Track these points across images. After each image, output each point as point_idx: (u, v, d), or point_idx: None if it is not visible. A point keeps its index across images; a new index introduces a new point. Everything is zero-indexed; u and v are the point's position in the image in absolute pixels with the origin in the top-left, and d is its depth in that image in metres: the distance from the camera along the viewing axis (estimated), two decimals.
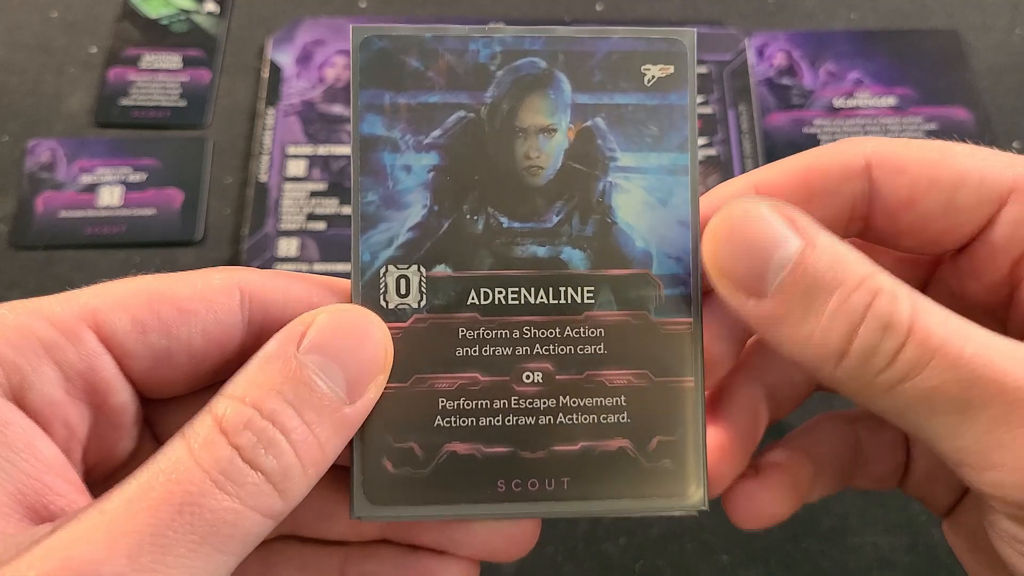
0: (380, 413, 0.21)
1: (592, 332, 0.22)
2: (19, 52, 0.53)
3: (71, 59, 0.53)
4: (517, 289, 0.22)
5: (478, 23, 0.53)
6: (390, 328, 0.21)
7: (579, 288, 0.22)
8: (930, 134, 0.50)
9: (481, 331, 0.22)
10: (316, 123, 0.50)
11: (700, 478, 0.22)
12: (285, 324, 0.20)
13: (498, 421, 0.21)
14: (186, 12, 0.55)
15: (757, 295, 0.20)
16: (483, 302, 0.22)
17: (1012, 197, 0.22)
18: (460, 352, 0.21)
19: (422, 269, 0.22)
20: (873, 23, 0.54)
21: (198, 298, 0.21)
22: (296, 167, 0.49)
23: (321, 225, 0.47)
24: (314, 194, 0.48)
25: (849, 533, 0.40)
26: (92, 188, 0.48)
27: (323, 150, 0.50)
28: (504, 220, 0.22)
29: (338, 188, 0.48)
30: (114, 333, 0.20)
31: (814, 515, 0.40)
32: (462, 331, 0.22)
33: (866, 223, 0.24)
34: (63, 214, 0.48)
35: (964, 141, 0.23)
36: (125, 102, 0.51)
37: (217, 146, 0.50)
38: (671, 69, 0.22)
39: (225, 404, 0.19)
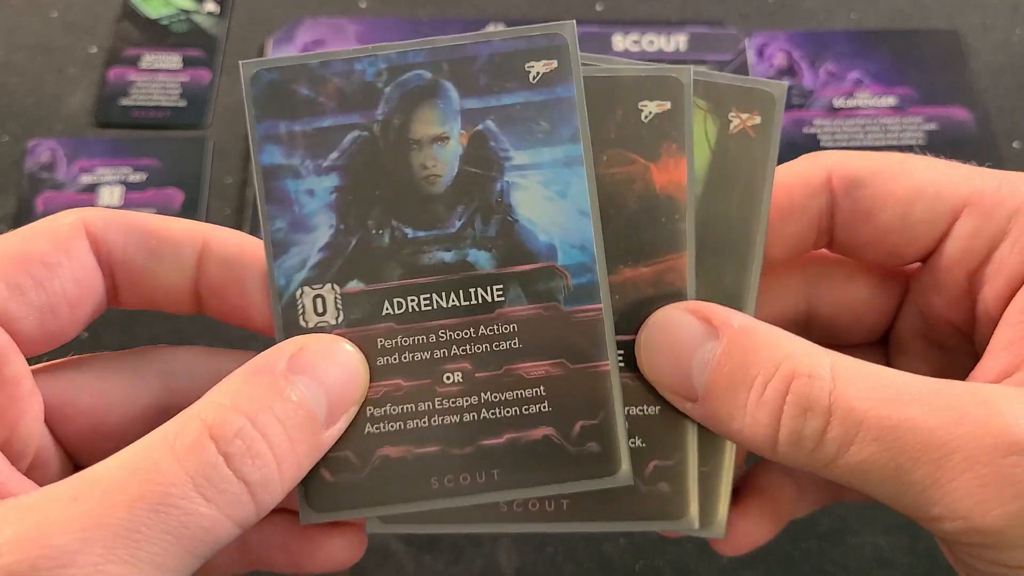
0: None
1: (506, 328, 0.22)
2: (19, 52, 0.53)
3: (71, 59, 0.53)
4: (428, 295, 0.22)
5: (477, 24, 0.53)
6: None
7: (488, 287, 0.22)
8: (930, 134, 0.50)
9: (399, 339, 0.22)
10: None
11: (626, 455, 0.22)
12: (128, 259, 0.22)
13: (424, 423, 0.22)
14: (186, 12, 0.55)
15: (692, 399, 0.21)
16: (397, 312, 0.22)
17: (966, 211, 0.22)
18: (381, 361, 0.22)
19: (336, 287, 0.22)
20: (873, 23, 0.54)
21: (57, 250, 0.21)
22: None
23: None
24: None
25: (849, 533, 0.40)
26: (92, 188, 0.48)
27: None
28: (408, 231, 0.22)
29: None
30: None
31: (814, 515, 0.40)
32: (381, 341, 0.22)
33: (830, 236, 0.24)
34: None
35: (955, 144, 0.23)
36: (125, 102, 0.51)
37: (217, 146, 0.50)
38: (555, 63, 0.22)
39: (215, 412, 0.19)
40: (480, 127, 0.22)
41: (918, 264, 0.25)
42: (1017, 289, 0.21)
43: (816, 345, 0.21)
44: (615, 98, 0.23)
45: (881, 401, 0.19)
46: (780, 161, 0.24)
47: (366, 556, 0.42)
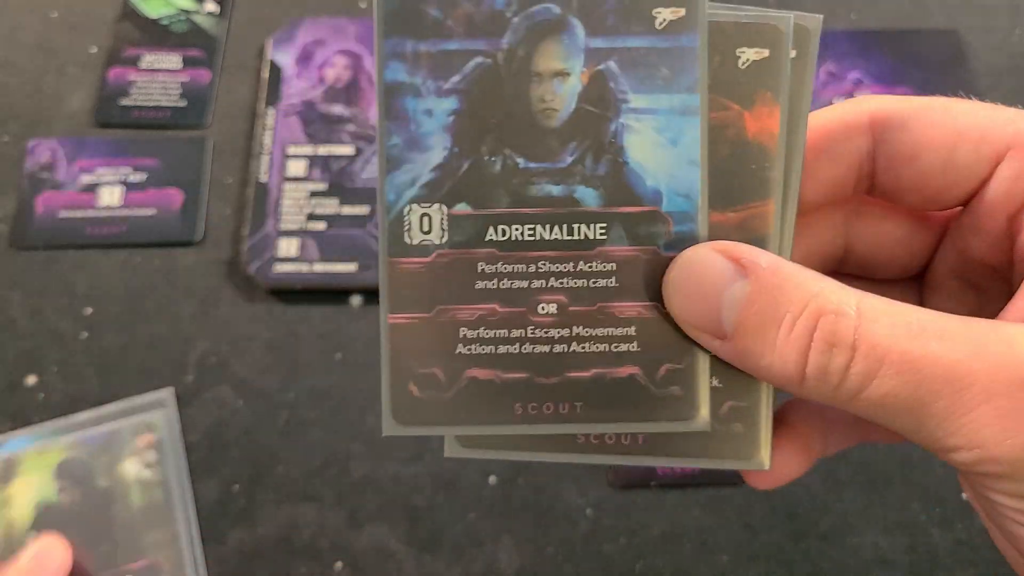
0: (406, 342, 0.23)
1: (604, 266, 0.23)
2: (19, 52, 0.53)
3: (71, 59, 0.53)
4: (533, 226, 0.23)
5: None
6: (414, 263, 0.23)
7: (592, 225, 0.23)
8: None
9: (499, 265, 0.23)
10: (316, 123, 0.50)
11: (706, 401, 0.23)
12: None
13: (515, 349, 0.23)
14: (186, 12, 0.55)
15: (720, 336, 0.22)
16: (501, 238, 0.23)
17: (1009, 153, 0.23)
18: (479, 285, 0.23)
19: (444, 207, 0.23)
20: (873, 23, 0.54)
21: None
22: (296, 167, 0.49)
23: (321, 225, 0.47)
24: (314, 194, 0.48)
25: (849, 533, 0.40)
26: (92, 188, 0.48)
27: (323, 150, 0.50)
28: (520, 161, 0.23)
29: (338, 188, 0.48)
30: None
31: (814, 515, 0.40)
32: (481, 265, 0.23)
33: (871, 180, 0.25)
34: (63, 214, 0.48)
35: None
36: (125, 102, 0.51)
37: (217, 146, 0.50)
38: (682, 12, 0.22)
39: None
40: (602, 67, 0.22)
41: (958, 208, 0.25)
42: None
43: (843, 284, 0.21)
44: (714, 44, 0.23)
45: (904, 337, 0.20)
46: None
47: (366, 556, 0.42)
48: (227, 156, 0.50)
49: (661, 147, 0.23)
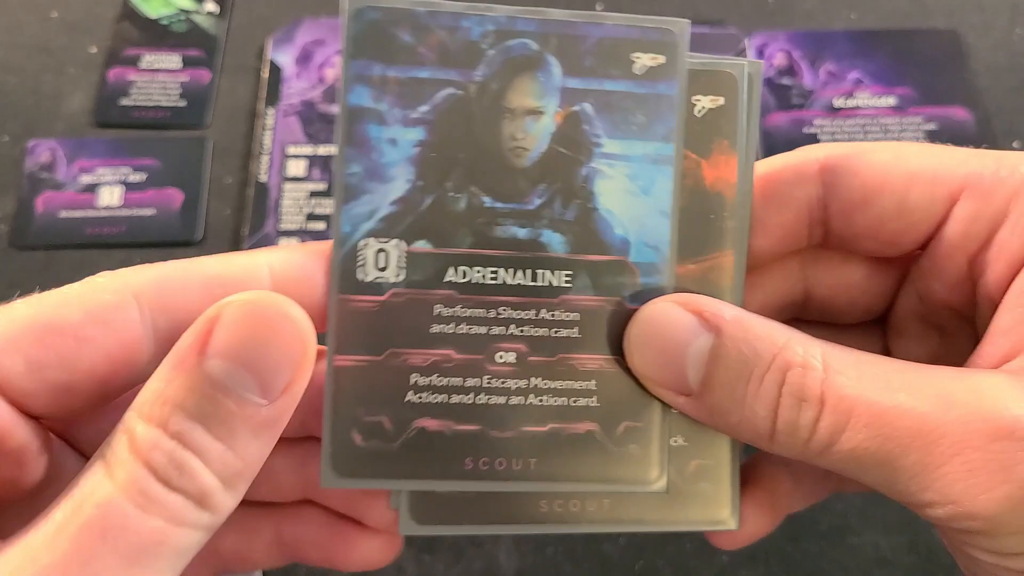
0: (352, 386, 0.21)
1: (567, 316, 0.22)
2: (19, 52, 0.53)
3: (71, 59, 0.53)
4: (496, 269, 0.22)
5: None
6: (366, 301, 0.21)
7: (557, 271, 0.22)
8: (930, 134, 0.50)
9: (458, 309, 0.21)
10: (316, 123, 0.50)
11: (664, 463, 0.22)
12: (194, 318, 0.19)
13: (469, 399, 0.21)
14: (186, 12, 0.55)
15: (685, 393, 0.21)
16: (461, 280, 0.22)
17: (964, 194, 0.22)
18: (435, 329, 0.21)
19: (402, 244, 0.21)
20: (873, 23, 0.54)
21: (92, 322, 0.19)
22: (296, 167, 0.49)
23: (321, 225, 0.47)
24: (314, 194, 0.48)
25: (849, 533, 0.40)
26: (92, 188, 0.48)
27: (323, 150, 0.50)
28: (487, 200, 0.22)
29: None
30: (7, 378, 0.19)
31: (814, 515, 0.40)
32: (438, 308, 0.21)
33: (826, 228, 0.24)
34: (63, 214, 0.48)
35: (953, 143, 0.23)
36: (125, 102, 0.51)
37: (217, 146, 0.50)
38: (662, 59, 0.22)
39: (135, 422, 0.18)
40: (577, 108, 0.22)
41: (917, 251, 0.24)
42: (1018, 272, 0.21)
43: (807, 336, 0.21)
44: None
45: (871, 389, 0.19)
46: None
47: None
48: (227, 156, 0.50)
49: (632, 195, 0.22)
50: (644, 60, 0.22)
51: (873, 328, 0.27)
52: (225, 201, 0.49)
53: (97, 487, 0.17)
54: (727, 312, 0.21)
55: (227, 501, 0.18)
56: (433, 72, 0.21)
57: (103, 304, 0.20)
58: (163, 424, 0.18)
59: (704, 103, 0.22)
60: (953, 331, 0.25)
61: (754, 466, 0.26)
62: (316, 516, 0.24)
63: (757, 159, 0.23)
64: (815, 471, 0.26)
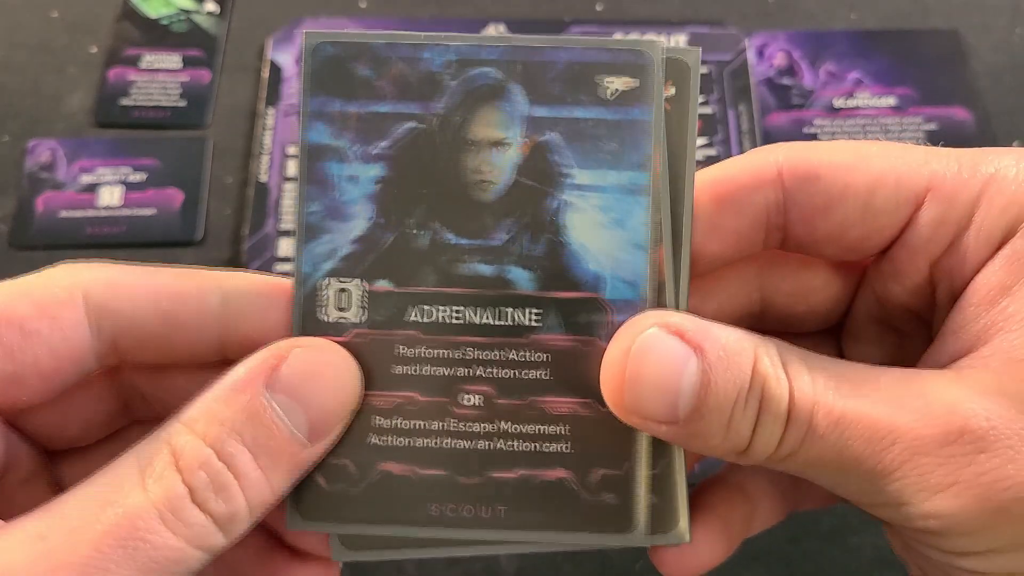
0: None
1: (537, 356, 0.21)
2: (19, 52, 0.53)
3: (71, 59, 0.53)
4: (460, 308, 0.21)
5: (478, 23, 0.53)
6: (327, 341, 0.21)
7: (525, 309, 0.21)
8: (930, 134, 0.50)
9: (421, 349, 0.21)
10: None
11: (645, 512, 0.21)
12: (136, 327, 0.20)
13: (434, 443, 0.21)
14: (186, 12, 0.55)
15: (669, 423, 0.20)
16: (424, 320, 0.21)
17: (929, 196, 0.21)
18: (398, 370, 0.21)
19: (363, 283, 0.21)
20: (873, 23, 0.54)
21: (40, 316, 0.20)
22: (296, 167, 0.49)
23: None
24: None
25: (849, 533, 0.40)
26: (92, 188, 0.48)
27: None
28: (451, 236, 0.21)
29: None
30: None
31: (814, 515, 0.40)
32: (401, 348, 0.21)
33: (784, 233, 0.23)
34: (63, 214, 0.48)
35: (941, 143, 0.23)
36: (125, 102, 0.51)
37: (217, 146, 0.50)
38: (635, 82, 0.21)
39: (184, 438, 0.18)
40: (544, 138, 0.21)
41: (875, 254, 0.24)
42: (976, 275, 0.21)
43: (763, 336, 0.20)
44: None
45: (824, 392, 0.19)
46: None
47: None
48: (227, 156, 0.50)
49: (605, 228, 0.21)
50: (616, 84, 0.21)
51: (828, 335, 0.26)
52: (225, 201, 0.49)
53: (129, 493, 0.17)
54: (704, 330, 0.20)
55: (242, 529, 0.19)
56: (393, 106, 0.21)
57: (53, 299, 0.20)
58: (215, 444, 0.18)
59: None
60: (910, 332, 0.24)
61: (704, 490, 0.25)
62: (253, 540, 0.23)
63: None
64: (770, 491, 0.25)
